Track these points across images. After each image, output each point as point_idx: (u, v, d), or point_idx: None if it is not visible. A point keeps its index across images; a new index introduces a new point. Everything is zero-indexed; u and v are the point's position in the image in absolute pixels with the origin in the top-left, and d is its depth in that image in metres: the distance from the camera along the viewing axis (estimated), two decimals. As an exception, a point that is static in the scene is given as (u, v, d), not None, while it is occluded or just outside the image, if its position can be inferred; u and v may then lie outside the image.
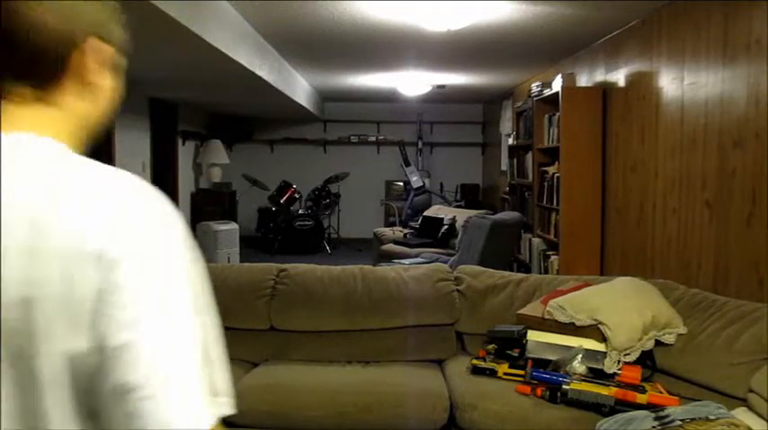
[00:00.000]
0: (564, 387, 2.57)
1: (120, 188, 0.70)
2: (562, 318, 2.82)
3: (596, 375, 2.67)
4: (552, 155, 5.67)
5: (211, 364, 0.69)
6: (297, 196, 9.65)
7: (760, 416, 2.28)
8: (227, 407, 0.69)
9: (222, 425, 0.68)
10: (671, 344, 2.78)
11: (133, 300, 0.65)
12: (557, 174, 5.37)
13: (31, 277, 0.65)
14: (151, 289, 0.66)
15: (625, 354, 2.71)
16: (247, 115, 10.54)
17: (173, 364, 0.65)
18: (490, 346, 2.98)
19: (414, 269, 3.51)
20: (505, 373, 2.82)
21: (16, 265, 0.65)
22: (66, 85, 0.75)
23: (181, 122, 8.86)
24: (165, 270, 0.68)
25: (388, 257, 6.44)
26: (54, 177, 0.69)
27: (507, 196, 7.95)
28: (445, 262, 5.05)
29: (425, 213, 8.33)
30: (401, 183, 10.74)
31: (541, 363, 2.78)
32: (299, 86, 7.86)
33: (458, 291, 3.32)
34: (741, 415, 2.24)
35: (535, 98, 6.11)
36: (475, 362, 2.91)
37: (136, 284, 0.65)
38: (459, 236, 6.03)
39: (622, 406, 2.44)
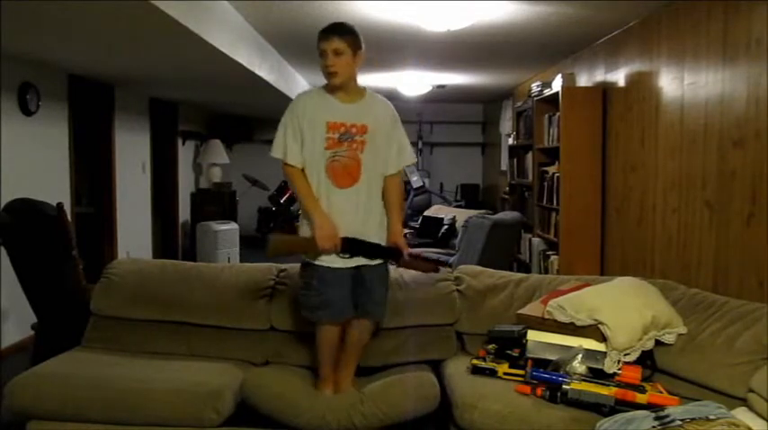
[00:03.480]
0: (564, 387, 2.57)
1: (384, 99, 3.00)
2: (562, 318, 2.82)
3: (596, 375, 2.67)
4: (552, 155, 5.67)
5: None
6: (297, 196, 9.63)
7: (760, 416, 2.28)
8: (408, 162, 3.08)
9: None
10: (671, 344, 2.78)
11: (399, 130, 2.98)
12: (557, 174, 5.37)
13: (381, 118, 2.92)
14: (400, 127, 3.00)
15: (625, 354, 2.71)
16: (247, 115, 10.53)
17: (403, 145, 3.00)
18: (490, 346, 2.98)
19: (414, 269, 3.51)
20: (505, 373, 2.82)
21: (382, 113, 2.92)
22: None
23: (181, 122, 8.85)
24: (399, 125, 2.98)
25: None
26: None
27: (507, 196, 7.95)
28: (445, 262, 5.05)
29: (425, 213, 8.33)
30: (401, 183, 10.72)
31: (541, 363, 2.78)
32: (299, 86, 7.86)
33: (458, 291, 3.32)
34: (741, 415, 2.24)
35: (535, 98, 6.11)
36: (475, 362, 2.91)
37: (398, 126, 2.97)
38: (459, 236, 6.03)
39: (622, 406, 2.44)
